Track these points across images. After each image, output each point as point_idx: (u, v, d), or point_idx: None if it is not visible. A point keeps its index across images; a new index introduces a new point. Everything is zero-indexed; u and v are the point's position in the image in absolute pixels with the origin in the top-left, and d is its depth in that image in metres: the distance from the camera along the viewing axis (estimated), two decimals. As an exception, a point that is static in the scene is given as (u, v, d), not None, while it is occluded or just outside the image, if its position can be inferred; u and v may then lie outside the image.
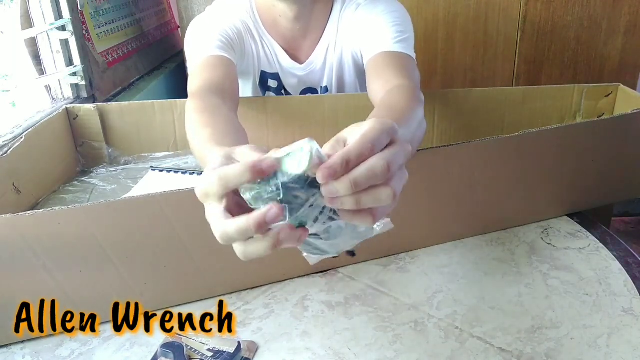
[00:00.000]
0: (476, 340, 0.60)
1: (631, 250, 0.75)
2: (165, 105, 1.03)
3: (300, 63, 1.04)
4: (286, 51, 1.03)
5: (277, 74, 1.06)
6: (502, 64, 1.78)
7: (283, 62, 1.04)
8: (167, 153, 1.06)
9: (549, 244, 0.78)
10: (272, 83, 1.07)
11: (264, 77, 1.06)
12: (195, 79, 0.83)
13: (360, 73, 1.05)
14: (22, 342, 0.63)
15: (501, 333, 0.61)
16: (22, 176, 0.87)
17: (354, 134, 0.41)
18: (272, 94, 1.09)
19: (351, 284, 0.71)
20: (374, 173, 0.38)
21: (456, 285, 0.70)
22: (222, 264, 0.67)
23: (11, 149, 0.85)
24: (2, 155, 0.83)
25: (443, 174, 0.73)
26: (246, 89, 1.08)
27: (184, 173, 0.96)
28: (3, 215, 0.57)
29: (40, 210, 0.58)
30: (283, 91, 1.08)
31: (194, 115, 0.69)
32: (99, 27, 1.37)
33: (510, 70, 1.79)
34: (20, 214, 0.57)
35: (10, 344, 0.63)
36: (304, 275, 0.72)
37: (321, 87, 1.08)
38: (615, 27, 1.71)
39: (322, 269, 0.73)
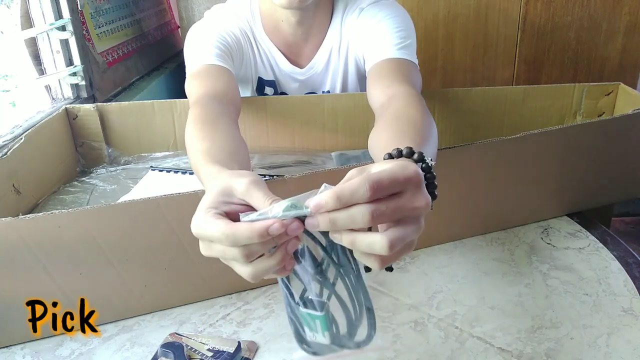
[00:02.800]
0: (476, 340, 0.60)
1: (631, 250, 0.75)
2: (165, 105, 1.04)
3: (301, 67, 1.04)
4: (287, 56, 1.03)
5: (273, 81, 1.05)
6: (502, 64, 1.78)
7: (283, 67, 1.04)
8: (166, 153, 1.06)
9: (549, 244, 0.78)
10: (269, 90, 1.07)
11: (261, 84, 1.06)
12: (197, 87, 0.82)
13: (362, 78, 1.04)
14: (22, 342, 0.63)
15: (501, 333, 0.61)
16: (22, 177, 0.87)
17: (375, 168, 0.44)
18: None
19: (351, 284, 0.71)
20: (353, 220, 0.40)
21: (456, 285, 0.70)
22: (222, 265, 0.66)
23: (11, 150, 0.85)
24: (2, 155, 0.83)
25: (444, 175, 0.72)
26: (244, 95, 1.08)
27: (183, 173, 0.96)
28: (3, 218, 0.57)
29: (41, 213, 0.58)
30: None
31: (194, 125, 0.68)
32: (99, 27, 1.37)
33: (510, 71, 1.79)
34: (21, 216, 0.57)
35: (11, 345, 0.63)
36: (304, 276, 0.72)
37: (323, 91, 1.08)
38: (615, 27, 1.71)
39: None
